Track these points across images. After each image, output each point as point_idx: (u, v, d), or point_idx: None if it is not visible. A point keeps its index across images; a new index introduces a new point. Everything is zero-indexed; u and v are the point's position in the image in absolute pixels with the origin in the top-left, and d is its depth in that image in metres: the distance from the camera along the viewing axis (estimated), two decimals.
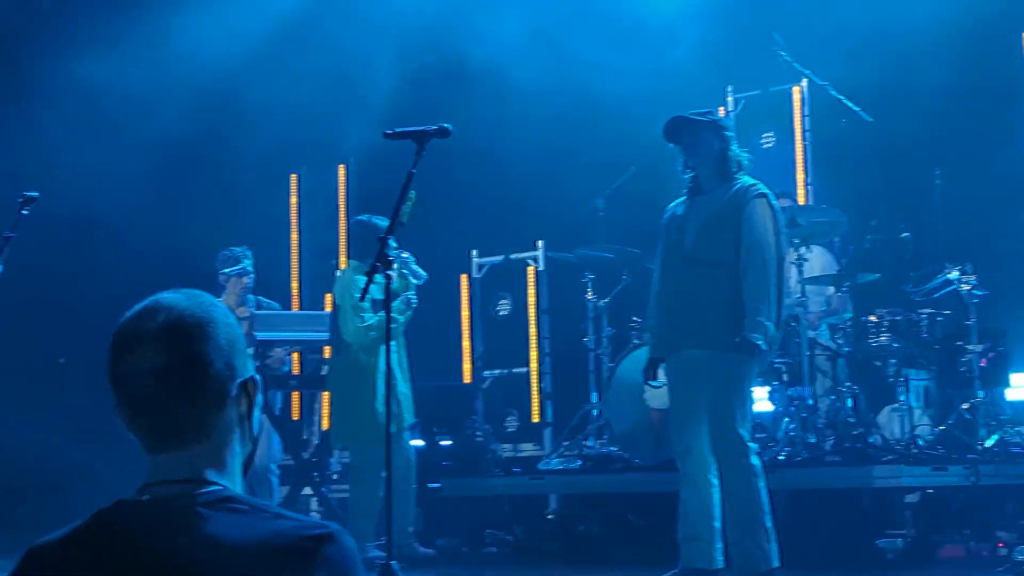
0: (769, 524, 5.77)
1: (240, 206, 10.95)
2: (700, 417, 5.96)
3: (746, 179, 6.05)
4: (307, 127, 10.94)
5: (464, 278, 10.78)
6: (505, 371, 10.29)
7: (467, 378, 10.55)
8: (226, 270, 8.59)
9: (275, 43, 10.37)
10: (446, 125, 5.16)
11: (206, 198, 11.02)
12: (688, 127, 6.05)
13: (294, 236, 12.25)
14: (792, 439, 7.75)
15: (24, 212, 6.37)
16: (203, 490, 1.88)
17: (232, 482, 1.94)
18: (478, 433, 9.41)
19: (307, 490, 9.15)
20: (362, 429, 7.72)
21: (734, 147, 6.07)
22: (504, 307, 10.51)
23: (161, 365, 1.87)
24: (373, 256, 7.19)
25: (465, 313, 10.74)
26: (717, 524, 5.94)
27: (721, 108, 9.95)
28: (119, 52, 10.04)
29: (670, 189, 7.23)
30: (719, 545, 5.92)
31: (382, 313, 7.49)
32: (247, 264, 8.61)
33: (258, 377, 1.99)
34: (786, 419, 7.90)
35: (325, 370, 9.77)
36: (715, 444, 5.87)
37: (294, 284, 12.07)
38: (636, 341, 8.41)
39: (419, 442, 9.09)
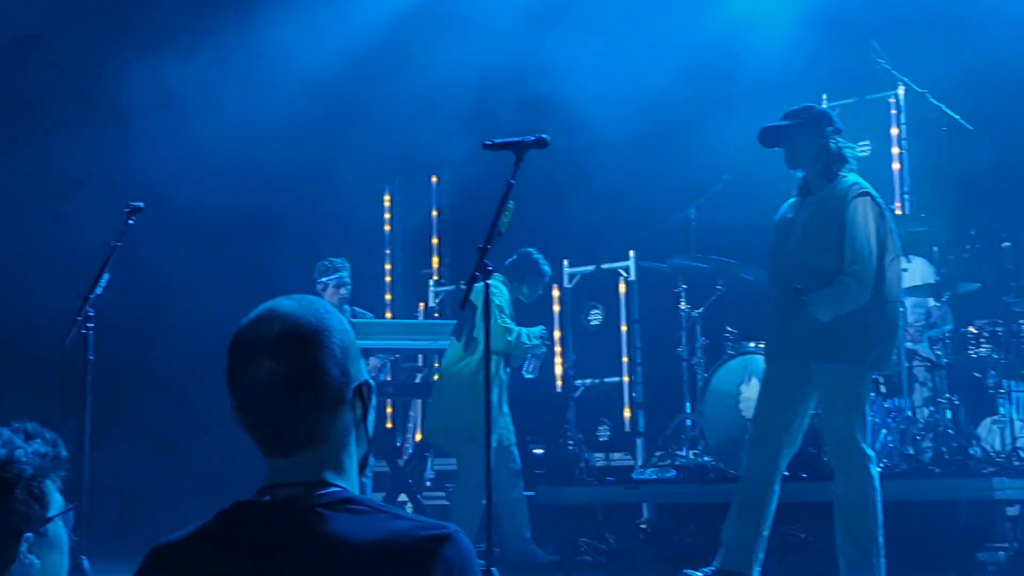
0: (881, 539, 5.70)
1: (334, 217, 11.09)
2: (785, 426, 5.89)
3: (850, 177, 5.88)
4: (400, 139, 11.04)
5: (555, 288, 10.80)
6: (597, 380, 10.29)
7: (559, 387, 10.56)
8: (323, 279, 8.74)
9: (367, 56, 10.48)
10: (544, 136, 5.17)
11: (300, 210, 11.16)
12: (782, 134, 5.96)
13: (387, 246, 12.36)
14: (890, 451, 7.66)
15: (130, 222, 6.52)
16: (322, 491, 1.92)
17: (350, 484, 1.98)
18: (570, 442, 9.41)
19: (402, 497, 9.22)
20: (475, 434, 7.77)
21: (835, 142, 5.88)
22: (596, 317, 10.51)
23: (279, 374, 1.91)
24: (523, 281, 7.94)
25: (556, 323, 10.76)
26: (765, 533, 5.87)
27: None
28: (213, 68, 10.21)
29: (763, 198, 7.18)
30: (760, 556, 5.85)
31: (522, 329, 7.68)
32: (344, 274, 8.77)
33: (372, 381, 2.03)
34: (884, 431, 7.81)
35: (419, 378, 9.86)
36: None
37: (387, 294, 12.17)
38: (730, 351, 8.36)
39: None
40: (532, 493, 8.68)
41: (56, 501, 2.11)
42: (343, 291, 8.82)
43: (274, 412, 1.93)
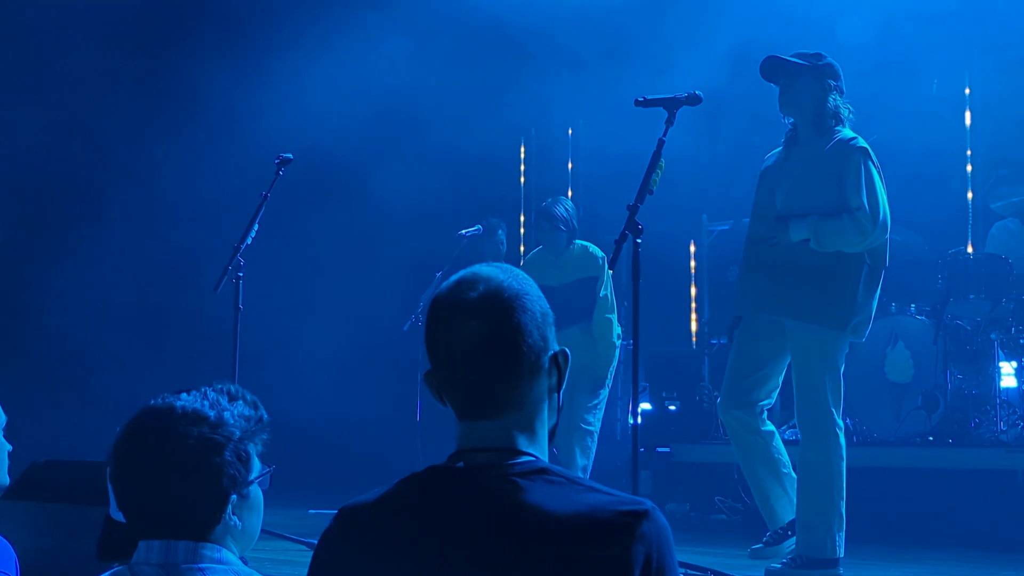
0: (843, 510, 5.46)
1: (471, 170, 11.03)
2: (759, 381, 5.70)
3: (846, 131, 5.60)
4: (536, 92, 10.91)
5: (693, 244, 10.70)
6: None
7: (694, 344, 10.49)
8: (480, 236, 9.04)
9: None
10: (698, 92, 5.10)
11: (438, 160, 11.13)
12: (785, 69, 5.62)
13: (522, 200, 12.33)
14: None
15: (280, 173, 6.58)
16: (517, 460, 1.92)
17: (541, 452, 1.98)
18: (706, 399, 9.36)
19: None
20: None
21: (833, 98, 5.59)
22: (733, 273, 10.37)
23: (481, 334, 1.91)
24: None
25: (692, 279, 10.67)
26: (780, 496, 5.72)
27: None
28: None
29: (907, 161, 6.92)
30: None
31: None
32: (501, 233, 8.98)
33: (568, 351, 2.02)
34: None
35: None
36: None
37: (521, 248, 12.16)
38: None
39: (647, 406, 9.13)
40: (668, 449, 8.67)
41: (256, 464, 2.15)
42: (500, 248, 9.07)
43: (474, 371, 1.92)
